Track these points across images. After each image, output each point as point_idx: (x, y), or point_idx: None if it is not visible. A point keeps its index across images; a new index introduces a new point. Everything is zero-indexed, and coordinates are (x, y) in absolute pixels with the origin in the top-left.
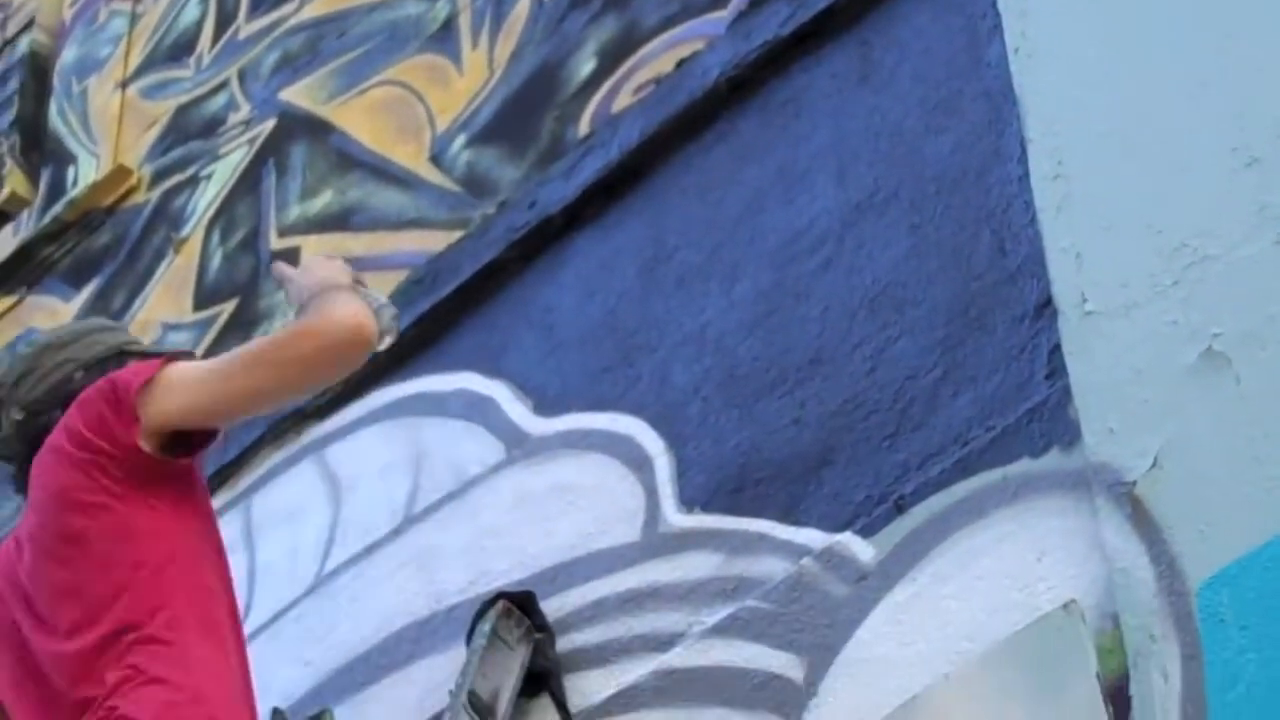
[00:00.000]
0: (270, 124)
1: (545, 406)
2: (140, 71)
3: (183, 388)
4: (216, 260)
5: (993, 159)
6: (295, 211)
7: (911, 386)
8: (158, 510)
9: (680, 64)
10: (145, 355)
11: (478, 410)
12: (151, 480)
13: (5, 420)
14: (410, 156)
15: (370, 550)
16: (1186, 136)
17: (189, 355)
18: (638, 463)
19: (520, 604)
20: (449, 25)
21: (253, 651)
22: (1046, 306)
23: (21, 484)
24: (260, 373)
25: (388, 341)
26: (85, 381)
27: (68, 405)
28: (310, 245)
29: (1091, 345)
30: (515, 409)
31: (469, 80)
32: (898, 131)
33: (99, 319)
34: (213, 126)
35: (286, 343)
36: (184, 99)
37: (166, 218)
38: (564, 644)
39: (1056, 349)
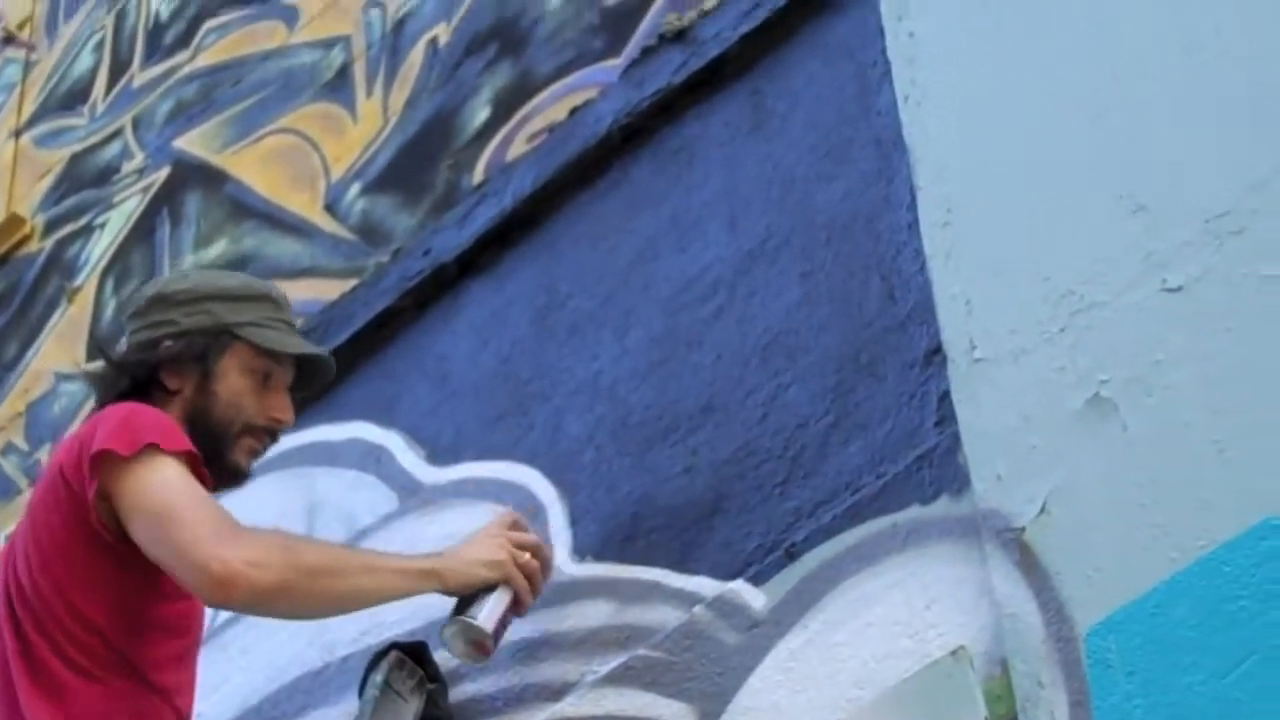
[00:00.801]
0: (164, 172)
1: (439, 456)
2: (34, 120)
3: (135, 500)
4: (110, 309)
5: (883, 206)
6: (190, 260)
7: (803, 434)
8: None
9: (573, 112)
10: (255, 348)
11: (371, 460)
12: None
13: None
14: (305, 205)
15: None
16: (1074, 184)
17: (196, 459)
18: (531, 512)
19: (413, 654)
20: (343, 73)
21: None
22: (936, 353)
23: None
24: (162, 531)
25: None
26: (176, 351)
27: (150, 369)
28: None
29: (980, 392)
30: (408, 458)
31: (364, 128)
32: (789, 179)
33: (240, 276)
34: (107, 175)
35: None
36: (78, 147)
37: (60, 267)
38: (457, 694)
39: (946, 396)
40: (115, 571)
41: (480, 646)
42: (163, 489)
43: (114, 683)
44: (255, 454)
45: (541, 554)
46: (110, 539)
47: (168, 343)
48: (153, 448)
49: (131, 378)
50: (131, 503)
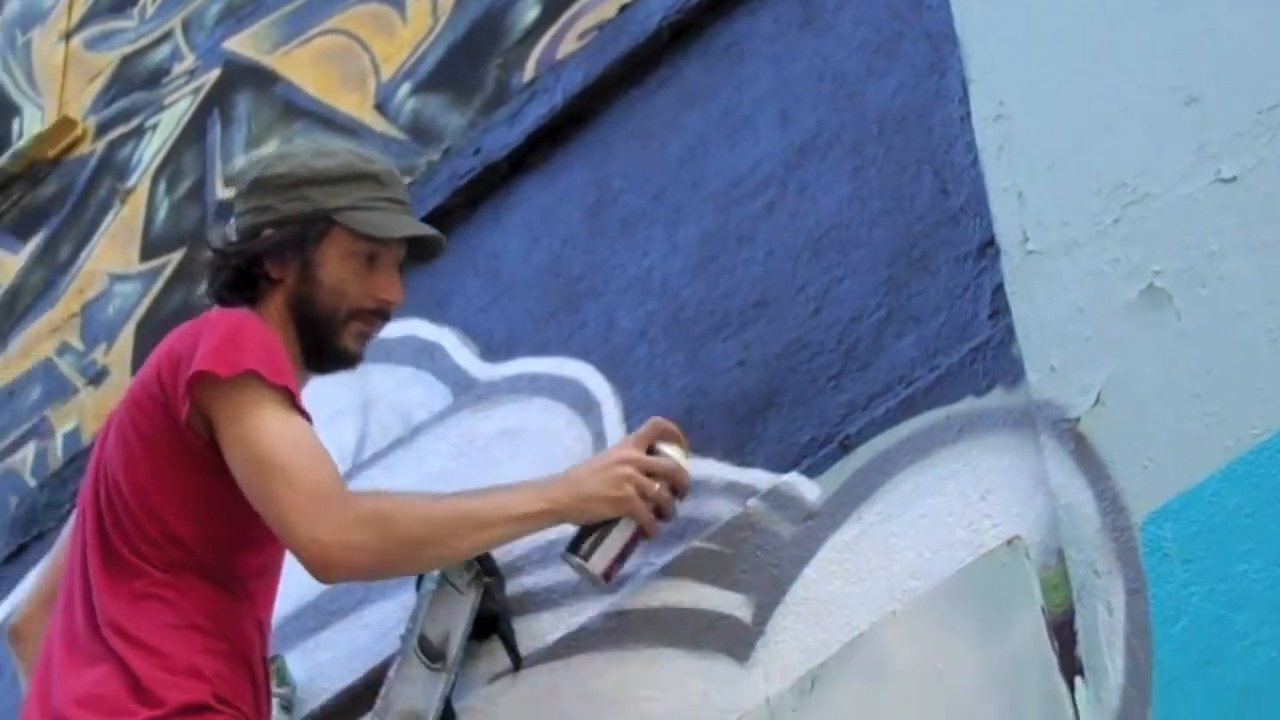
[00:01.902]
0: (215, 74)
1: (492, 352)
2: (84, 22)
3: (241, 440)
4: (163, 210)
5: (934, 100)
6: (241, 161)
7: (856, 327)
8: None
9: (623, 9)
10: (354, 233)
11: (425, 356)
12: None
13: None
14: (355, 105)
15: None
16: (1126, 76)
17: (292, 394)
18: (584, 407)
19: None
20: None
21: None
22: (989, 246)
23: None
24: (262, 485)
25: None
26: (276, 240)
27: (252, 258)
28: None
29: (1034, 284)
30: (462, 355)
31: (413, 28)
32: (840, 74)
33: (342, 154)
34: (157, 77)
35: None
36: (128, 50)
37: (112, 169)
38: (513, 587)
39: (999, 288)
40: (202, 482)
41: (594, 581)
42: (263, 435)
43: (192, 587)
44: (365, 337)
45: (676, 479)
46: (201, 451)
47: (267, 231)
48: (253, 376)
49: (235, 268)
50: (230, 439)
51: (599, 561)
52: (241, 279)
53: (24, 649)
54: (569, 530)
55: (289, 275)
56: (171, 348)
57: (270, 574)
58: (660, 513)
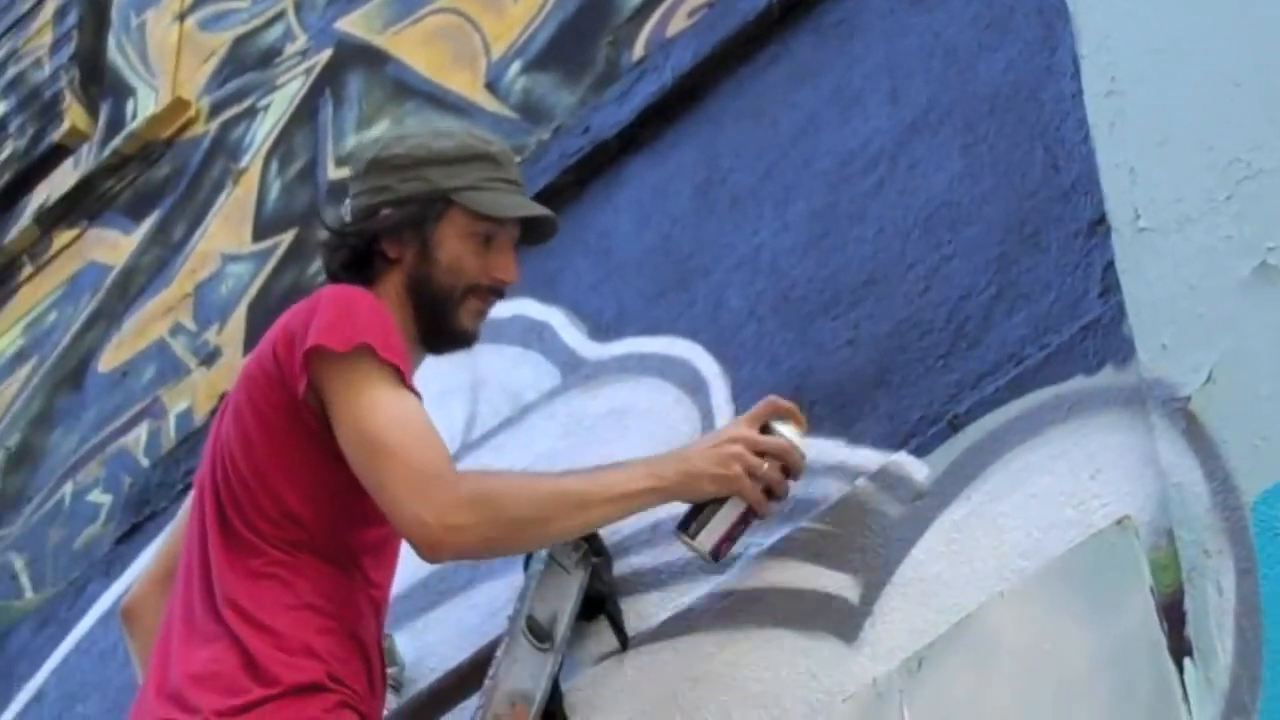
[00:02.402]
0: (326, 54)
1: (601, 331)
2: (198, 3)
3: (353, 420)
4: (275, 191)
5: (1045, 76)
6: (352, 141)
7: (965, 306)
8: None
9: None
10: (473, 212)
11: (534, 336)
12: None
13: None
14: (466, 84)
15: None
16: (1239, 51)
17: (399, 367)
18: (693, 386)
19: None
20: None
21: None
22: (1100, 224)
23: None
24: (371, 463)
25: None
26: (394, 220)
27: (369, 237)
28: None
29: (1145, 262)
30: (571, 334)
31: (524, 6)
32: (951, 50)
33: (459, 135)
34: (270, 57)
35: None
36: (241, 30)
37: (225, 149)
38: (621, 567)
39: (1110, 266)
40: (318, 459)
41: (704, 560)
42: (374, 413)
43: (309, 566)
44: (481, 315)
45: (789, 459)
46: (317, 428)
47: (385, 211)
48: (367, 351)
49: (352, 248)
50: (341, 415)
51: (706, 540)
52: (358, 259)
53: (136, 629)
54: (679, 509)
55: (407, 254)
56: (286, 325)
57: (385, 552)
58: (771, 492)
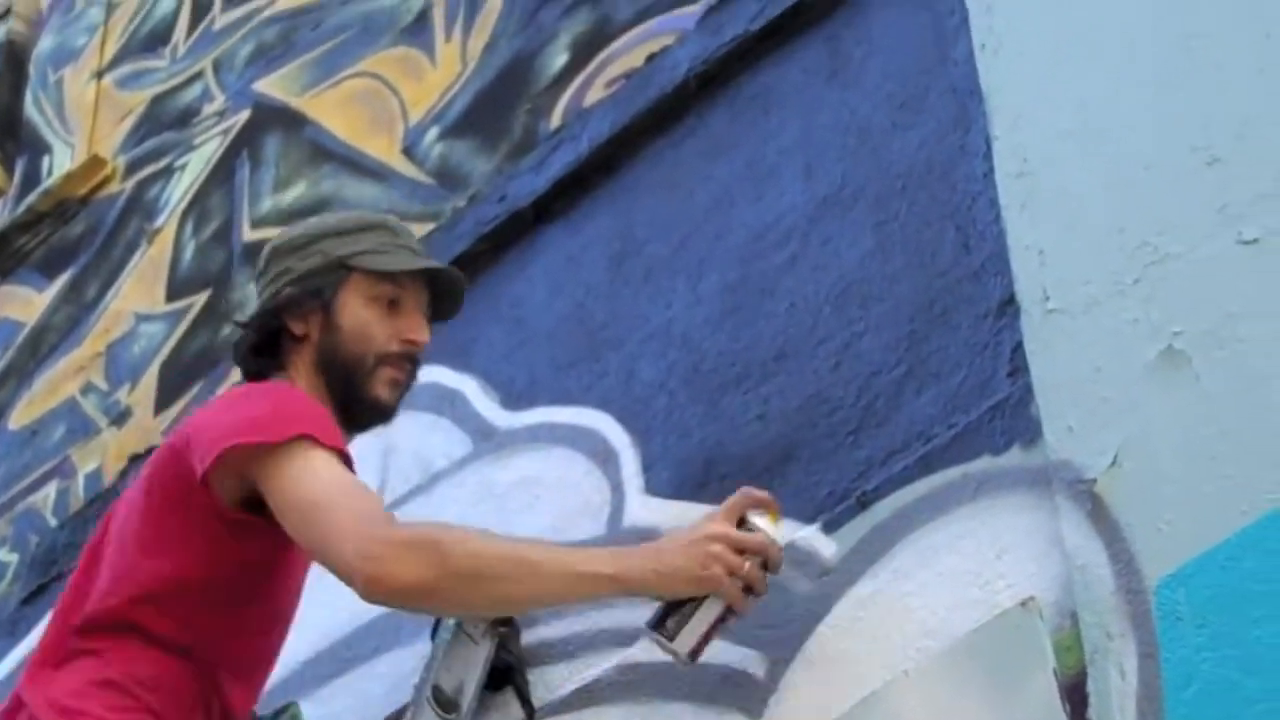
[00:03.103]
0: (244, 115)
1: (513, 400)
2: (116, 61)
3: (286, 493)
4: (189, 251)
5: (958, 155)
6: (268, 203)
7: (875, 383)
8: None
9: (650, 58)
10: (370, 272)
11: (446, 403)
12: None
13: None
14: (383, 149)
15: None
16: (1149, 135)
17: (346, 456)
18: (603, 457)
19: None
20: (423, 17)
21: None
22: (1009, 304)
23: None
24: (310, 519)
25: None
26: (295, 297)
27: (279, 320)
28: None
29: (1053, 343)
30: (483, 403)
31: (442, 73)
32: (865, 127)
33: (357, 212)
34: (187, 117)
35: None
36: (159, 89)
37: (140, 208)
38: (528, 638)
39: (1019, 346)
40: (215, 559)
41: (680, 663)
42: (312, 478)
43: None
44: (398, 385)
45: (770, 555)
46: (226, 517)
47: (287, 290)
48: (305, 439)
49: (258, 330)
50: (279, 489)
51: (686, 640)
52: (266, 343)
53: None
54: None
55: (313, 329)
56: (200, 415)
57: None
58: (750, 589)
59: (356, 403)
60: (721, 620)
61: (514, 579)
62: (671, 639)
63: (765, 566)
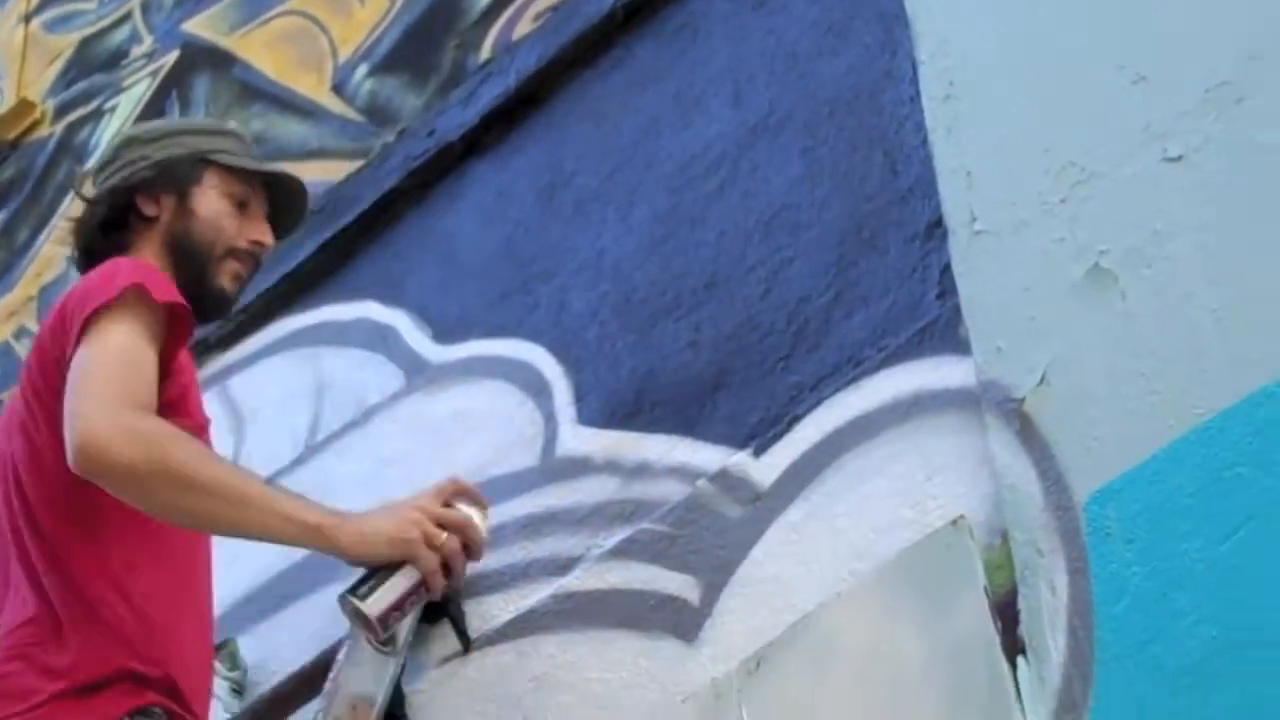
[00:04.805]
0: (173, 56)
1: (445, 334)
2: (44, 5)
3: (81, 350)
4: None
5: (885, 81)
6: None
7: (805, 308)
8: None
9: None
10: (228, 169)
11: (378, 339)
12: None
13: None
14: (312, 87)
15: (273, 480)
16: (1074, 56)
17: (181, 312)
18: (536, 388)
19: None
20: None
21: None
22: (937, 226)
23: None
24: (75, 382)
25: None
26: (151, 178)
27: (130, 198)
28: None
29: (981, 265)
30: (415, 337)
31: (370, 10)
32: (792, 54)
33: (210, 119)
34: (116, 59)
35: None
36: (87, 31)
37: (71, 151)
38: None
39: (947, 269)
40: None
41: (369, 627)
42: (99, 345)
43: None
44: (239, 279)
45: (469, 534)
46: None
47: (146, 173)
48: (135, 290)
49: (109, 207)
50: (77, 356)
51: (375, 605)
52: (115, 220)
53: None
54: (521, 510)
55: (165, 212)
56: (58, 307)
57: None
58: (448, 569)
59: (200, 288)
60: (414, 593)
61: (221, 499)
62: (363, 600)
63: (468, 551)
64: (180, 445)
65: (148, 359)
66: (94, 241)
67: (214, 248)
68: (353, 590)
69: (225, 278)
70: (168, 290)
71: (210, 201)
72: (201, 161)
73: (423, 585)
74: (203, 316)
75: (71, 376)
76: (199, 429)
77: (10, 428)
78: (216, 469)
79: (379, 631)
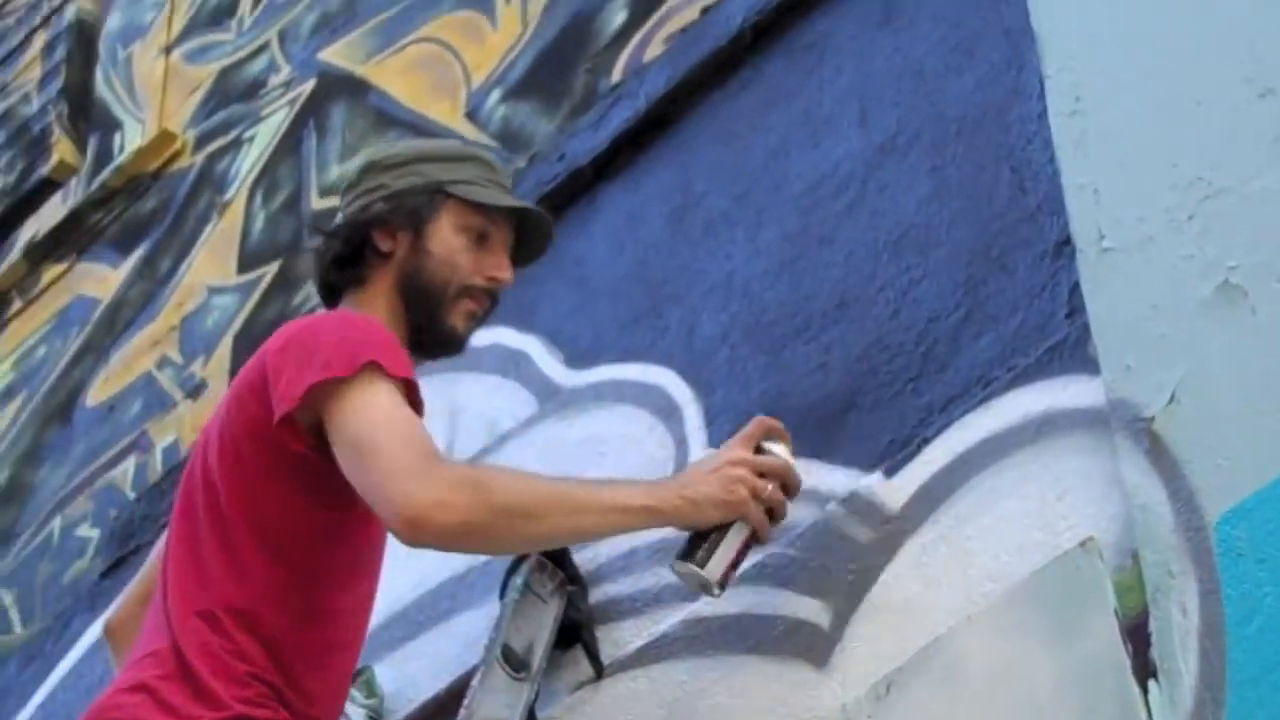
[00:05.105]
0: (310, 85)
1: (577, 359)
2: (183, 36)
3: (340, 427)
4: (259, 222)
5: (1012, 97)
6: (335, 171)
7: (934, 328)
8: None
9: (705, 11)
10: (466, 202)
11: (511, 364)
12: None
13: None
14: (446, 113)
15: None
16: (1201, 69)
17: (413, 386)
18: (666, 412)
19: (553, 557)
20: None
21: None
22: (1066, 244)
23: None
24: (360, 458)
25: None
26: (387, 211)
27: (365, 233)
28: None
29: (1109, 282)
30: (547, 362)
31: (503, 35)
32: (919, 72)
33: (454, 141)
34: (254, 89)
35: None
36: (226, 62)
37: (211, 181)
38: (596, 595)
39: (1076, 287)
40: (294, 494)
41: (708, 589)
42: (367, 414)
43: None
44: (474, 318)
45: (787, 478)
46: (302, 453)
47: (380, 205)
48: (372, 367)
49: (344, 242)
50: (338, 426)
51: (715, 568)
52: (350, 255)
53: (118, 643)
54: (652, 536)
55: (399, 248)
56: (283, 346)
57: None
58: (773, 515)
59: (431, 330)
60: (746, 547)
61: (558, 516)
62: (702, 566)
63: (786, 492)
64: (497, 480)
65: (415, 420)
66: (330, 275)
67: (448, 287)
68: (687, 556)
69: (458, 317)
70: (402, 365)
71: (446, 238)
72: (439, 193)
73: (753, 537)
74: (433, 352)
75: (352, 454)
76: None
77: (207, 470)
78: (539, 487)
79: (719, 593)
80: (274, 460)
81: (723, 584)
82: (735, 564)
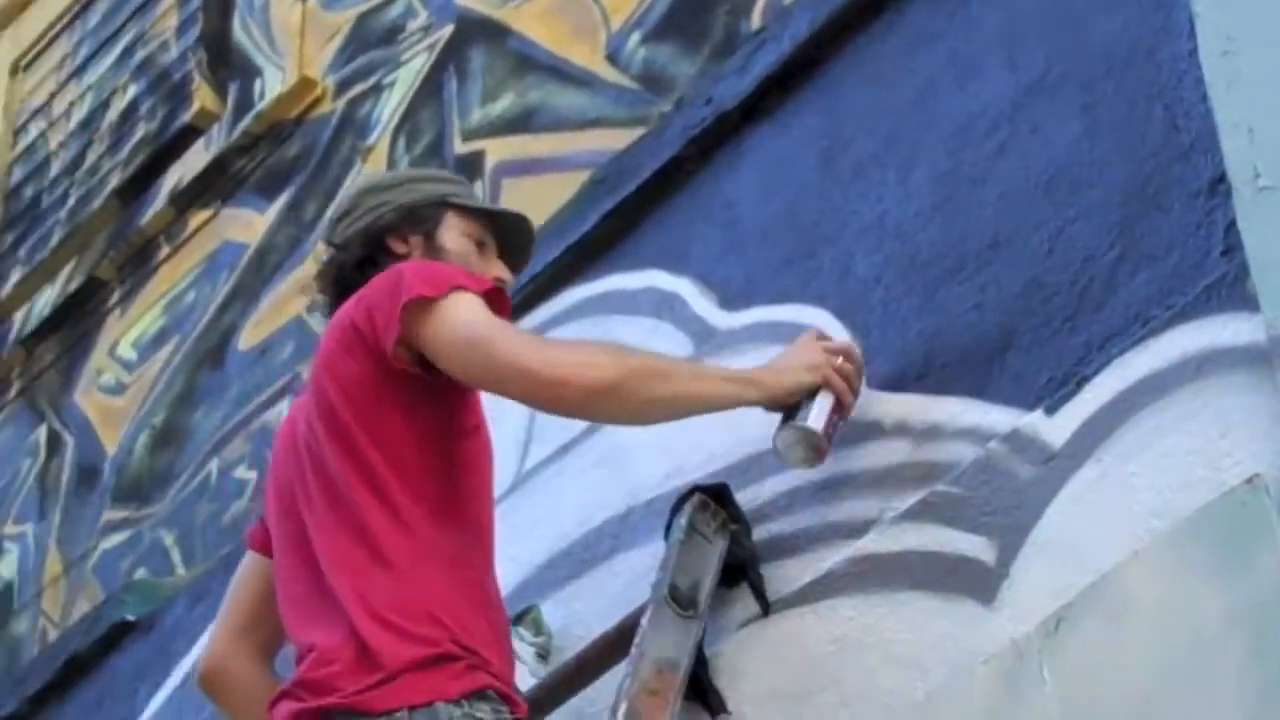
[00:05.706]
0: (448, 29)
1: (730, 301)
2: None
3: (449, 334)
4: (403, 166)
5: (1163, 36)
6: (477, 115)
7: (1090, 267)
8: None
9: None
10: (467, 210)
11: (666, 307)
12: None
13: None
14: (586, 56)
15: (566, 449)
16: None
17: (500, 292)
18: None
19: (716, 496)
20: None
21: None
22: (1221, 183)
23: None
24: (476, 353)
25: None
26: (396, 222)
27: (380, 238)
28: (493, 148)
29: (1266, 220)
30: (701, 304)
31: None
32: (1067, 12)
33: (437, 169)
34: (392, 34)
35: (543, 361)
36: (363, 8)
37: (353, 127)
38: (759, 534)
39: (1232, 225)
40: (414, 411)
41: (815, 449)
42: (472, 315)
43: (422, 527)
44: None
45: (854, 356)
46: (413, 377)
47: (390, 215)
48: (459, 288)
49: (362, 247)
50: (444, 335)
51: (817, 422)
52: (367, 261)
53: (226, 689)
54: (815, 475)
55: (415, 250)
56: (354, 304)
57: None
58: (850, 385)
59: None
60: (835, 415)
61: (681, 378)
62: (806, 420)
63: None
64: (626, 346)
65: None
66: (349, 280)
67: None
68: (787, 421)
69: None
70: (483, 282)
71: (455, 239)
72: (442, 204)
73: (840, 405)
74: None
75: (466, 350)
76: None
77: (315, 435)
78: (662, 355)
79: (825, 450)
80: (396, 393)
81: (828, 440)
82: (831, 427)
